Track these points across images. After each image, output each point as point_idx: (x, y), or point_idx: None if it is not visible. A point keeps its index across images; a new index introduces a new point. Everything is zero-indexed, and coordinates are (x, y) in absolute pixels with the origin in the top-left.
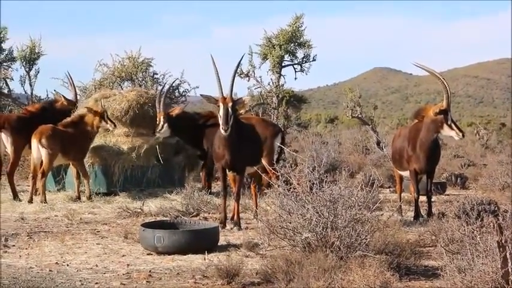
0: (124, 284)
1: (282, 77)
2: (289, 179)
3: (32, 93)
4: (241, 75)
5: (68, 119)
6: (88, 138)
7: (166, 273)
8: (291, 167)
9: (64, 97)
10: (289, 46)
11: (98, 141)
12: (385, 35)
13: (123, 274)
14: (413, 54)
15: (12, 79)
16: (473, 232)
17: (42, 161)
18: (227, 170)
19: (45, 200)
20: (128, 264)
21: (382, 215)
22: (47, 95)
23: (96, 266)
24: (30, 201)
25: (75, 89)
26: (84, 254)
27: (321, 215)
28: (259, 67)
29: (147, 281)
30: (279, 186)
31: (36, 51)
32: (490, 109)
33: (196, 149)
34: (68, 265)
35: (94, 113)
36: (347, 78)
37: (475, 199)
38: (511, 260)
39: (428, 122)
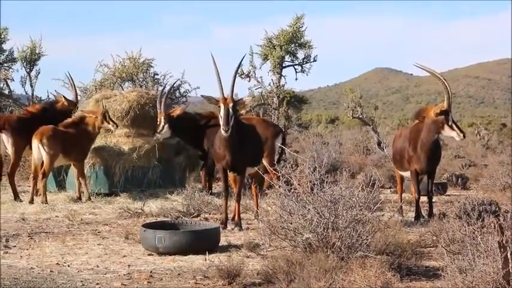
0: (125, 285)
1: (282, 77)
2: (290, 180)
3: (32, 94)
4: (242, 76)
5: (69, 120)
6: (89, 139)
7: (167, 274)
8: (292, 167)
9: (65, 97)
10: (290, 47)
11: (98, 141)
12: (385, 35)
13: (124, 275)
14: (414, 54)
15: (13, 80)
16: (474, 232)
17: (43, 162)
18: (228, 171)
19: (46, 200)
20: (129, 265)
21: (383, 215)
22: (48, 96)
23: (97, 266)
24: (31, 201)
25: (75, 89)
26: (85, 254)
27: (322, 215)
28: (260, 67)
29: (148, 282)
30: (279, 186)
31: (37, 51)
32: (491, 109)
33: (197, 149)
34: (68, 266)
35: (94, 114)
36: (348, 79)
37: (476, 199)
38: None
39: (429, 123)
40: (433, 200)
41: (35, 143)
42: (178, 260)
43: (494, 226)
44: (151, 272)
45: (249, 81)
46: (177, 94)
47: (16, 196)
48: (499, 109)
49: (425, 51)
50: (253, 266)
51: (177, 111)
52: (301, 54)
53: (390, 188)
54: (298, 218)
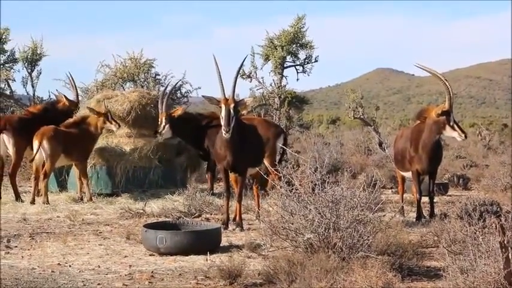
0: (126, 285)
1: (284, 77)
2: (291, 180)
3: (34, 94)
4: (243, 76)
5: (71, 120)
6: (91, 139)
7: (168, 274)
8: (293, 167)
9: (66, 97)
10: (291, 47)
11: (100, 142)
12: (387, 35)
13: (126, 275)
14: (416, 54)
15: (14, 80)
16: (475, 233)
17: (44, 162)
18: (229, 171)
19: (48, 201)
20: (130, 265)
21: (384, 215)
22: (49, 96)
23: (99, 266)
24: (33, 202)
25: (76, 89)
26: (86, 254)
27: (323, 215)
28: (261, 68)
29: (149, 282)
30: (281, 187)
31: (38, 52)
32: (492, 110)
33: (198, 150)
34: (70, 266)
35: (97, 114)
36: (349, 79)
37: (477, 200)
38: None
39: (431, 123)
40: (435, 201)
41: (36, 143)
42: (180, 260)
43: (496, 226)
44: (152, 272)
45: (251, 81)
46: (179, 94)
47: (17, 196)
48: (500, 109)
49: (426, 52)
50: (254, 267)
51: (178, 111)
52: (302, 54)
53: (391, 188)
54: (300, 219)
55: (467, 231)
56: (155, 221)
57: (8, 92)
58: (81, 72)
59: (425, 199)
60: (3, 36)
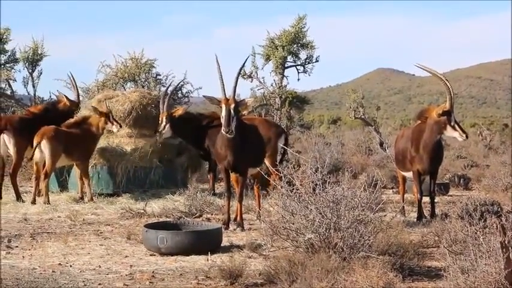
0: (127, 285)
1: (284, 78)
2: (292, 180)
3: (34, 94)
4: (244, 76)
5: (72, 120)
6: (93, 140)
7: (169, 274)
8: (294, 167)
9: (66, 97)
10: (292, 47)
11: (101, 142)
12: (387, 35)
13: (126, 275)
14: (416, 55)
15: (15, 80)
16: (476, 233)
17: (45, 162)
18: (230, 171)
19: (48, 201)
20: (131, 265)
21: (385, 215)
22: (50, 96)
23: (99, 266)
24: (33, 202)
25: (77, 89)
26: (87, 254)
27: (324, 215)
28: (262, 68)
29: (150, 282)
30: (282, 187)
31: (39, 52)
32: (493, 110)
33: (198, 150)
34: (71, 266)
35: (99, 114)
36: (350, 79)
37: (478, 200)
38: None
39: (432, 123)
40: (435, 201)
41: (36, 143)
42: (180, 260)
43: (497, 226)
44: (153, 272)
45: (251, 81)
46: (180, 94)
47: (18, 196)
48: (501, 109)
49: (427, 52)
50: (255, 267)
51: (179, 111)
52: (303, 54)
53: (392, 188)
54: (300, 219)
55: (468, 231)
56: (156, 221)
57: (8, 92)
58: (82, 72)
59: (426, 199)
60: (4, 36)
